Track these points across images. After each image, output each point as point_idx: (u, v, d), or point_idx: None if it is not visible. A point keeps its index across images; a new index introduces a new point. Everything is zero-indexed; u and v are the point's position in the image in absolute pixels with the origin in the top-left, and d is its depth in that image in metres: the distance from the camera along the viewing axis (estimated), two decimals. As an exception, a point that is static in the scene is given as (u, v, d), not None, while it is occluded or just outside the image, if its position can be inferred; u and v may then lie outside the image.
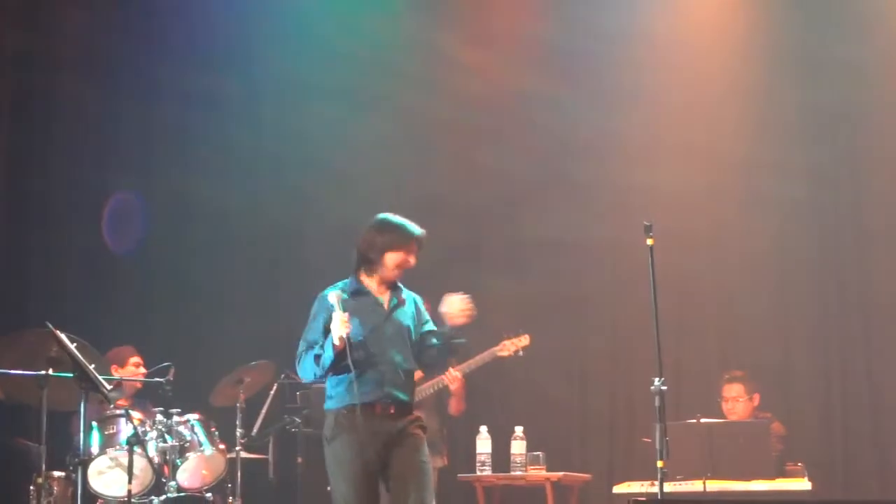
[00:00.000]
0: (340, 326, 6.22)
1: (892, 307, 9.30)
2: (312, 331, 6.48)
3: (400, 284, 6.66)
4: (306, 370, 6.45)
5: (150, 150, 10.58)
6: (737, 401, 8.81)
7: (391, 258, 6.52)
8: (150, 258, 10.35)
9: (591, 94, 10.10)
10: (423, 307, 6.75)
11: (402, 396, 6.45)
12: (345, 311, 6.28)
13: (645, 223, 6.65)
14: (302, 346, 6.51)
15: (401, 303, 6.59)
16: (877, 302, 9.42)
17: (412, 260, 6.58)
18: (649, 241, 6.62)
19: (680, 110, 9.99)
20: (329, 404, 6.45)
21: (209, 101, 10.41)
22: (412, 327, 6.58)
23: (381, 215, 6.66)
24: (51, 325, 6.73)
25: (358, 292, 6.52)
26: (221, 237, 10.33)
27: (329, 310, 6.35)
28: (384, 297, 6.56)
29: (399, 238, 6.56)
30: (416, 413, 6.70)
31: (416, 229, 6.61)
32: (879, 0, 9.88)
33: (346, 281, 6.58)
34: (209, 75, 10.30)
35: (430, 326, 6.67)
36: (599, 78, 10.15)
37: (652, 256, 6.58)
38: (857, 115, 9.75)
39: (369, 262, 6.55)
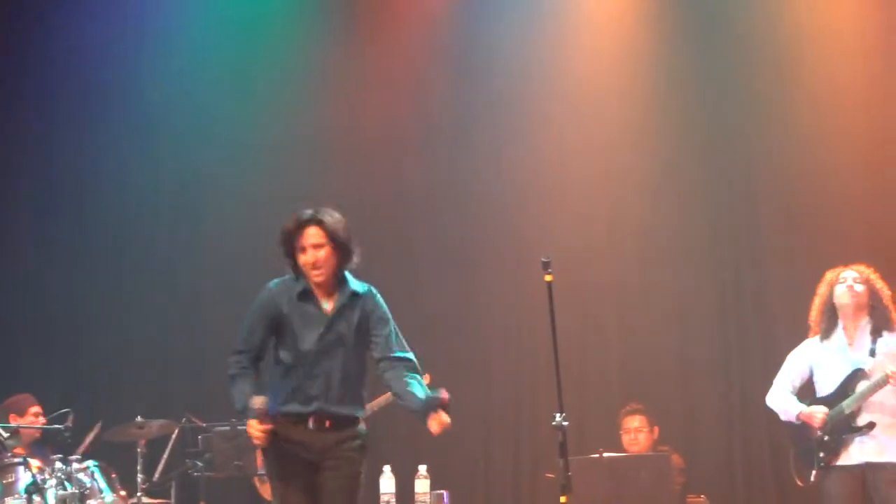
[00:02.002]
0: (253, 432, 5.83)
1: (789, 342, 9.41)
2: (245, 329, 6.00)
3: (350, 283, 6.07)
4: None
5: (51, 197, 10.51)
6: (639, 431, 8.89)
7: (300, 259, 5.97)
8: (47, 303, 10.24)
9: (486, 133, 10.21)
10: (376, 303, 6.07)
11: (337, 410, 5.97)
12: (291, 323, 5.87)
13: (542, 259, 6.67)
14: (234, 355, 5.94)
15: (349, 306, 5.99)
16: (775, 337, 9.51)
17: (318, 252, 5.95)
18: (547, 278, 6.65)
19: (578, 149, 10.11)
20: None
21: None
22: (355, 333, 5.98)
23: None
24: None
25: (304, 295, 5.97)
26: (117, 280, 10.26)
27: (269, 308, 5.93)
28: (328, 302, 6.00)
29: (287, 235, 6.02)
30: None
31: (301, 214, 6.07)
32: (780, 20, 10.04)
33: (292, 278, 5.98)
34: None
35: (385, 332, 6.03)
36: (498, 112, 10.26)
37: (550, 292, 6.62)
38: (754, 142, 9.92)
39: (297, 271, 5.98)
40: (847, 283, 7.68)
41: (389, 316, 6.10)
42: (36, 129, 10.57)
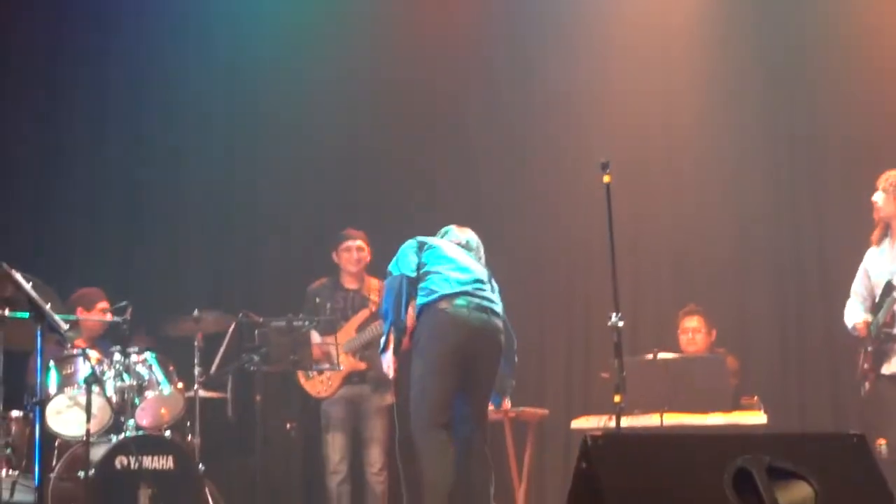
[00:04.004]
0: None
1: (847, 238, 9.31)
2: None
3: None
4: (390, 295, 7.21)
5: (105, 93, 10.48)
6: (697, 332, 8.86)
7: None
8: (104, 194, 10.29)
9: (549, 37, 10.09)
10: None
11: None
12: None
13: (601, 161, 6.66)
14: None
15: None
16: (832, 235, 9.45)
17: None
18: (606, 179, 6.63)
19: (637, 53, 10.00)
20: None
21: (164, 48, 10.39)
22: None
23: None
24: (5, 265, 6.68)
25: None
26: (174, 174, 10.27)
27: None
28: None
29: None
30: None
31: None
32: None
33: None
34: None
35: None
36: (558, 21, 10.13)
37: (608, 194, 6.59)
38: (812, 58, 9.77)
39: None
40: (874, 196, 7.63)
41: None
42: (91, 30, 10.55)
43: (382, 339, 7.22)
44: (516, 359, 7.52)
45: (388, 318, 7.16)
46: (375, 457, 8.71)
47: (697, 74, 9.90)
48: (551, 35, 10.12)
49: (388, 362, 7.19)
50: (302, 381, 8.79)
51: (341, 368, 8.52)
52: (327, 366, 8.55)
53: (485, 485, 7.07)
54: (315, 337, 8.57)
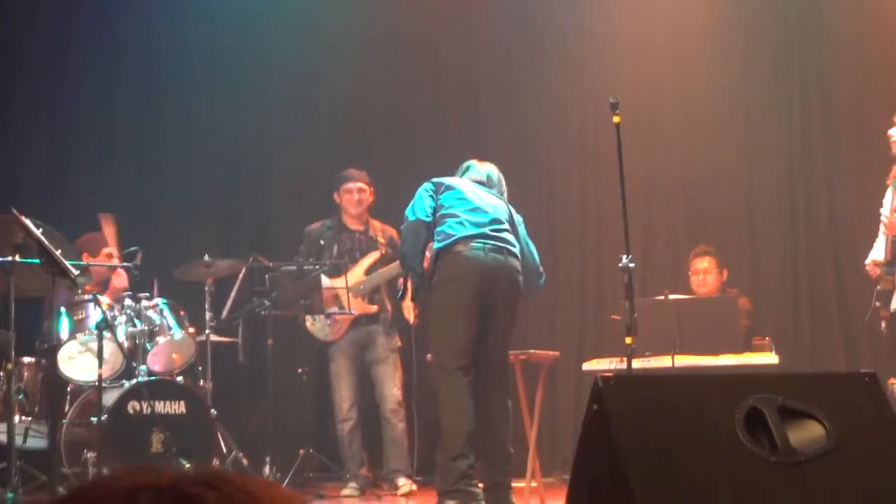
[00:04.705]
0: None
1: (858, 179, 9.30)
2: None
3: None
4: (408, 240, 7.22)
5: (117, 34, 10.42)
6: (708, 273, 8.84)
7: None
8: (114, 142, 10.25)
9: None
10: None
11: None
12: None
13: (611, 100, 6.61)
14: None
15: None
16: (843, 176, 9.43)
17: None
18: (615, 119, 6.58)
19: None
20: None
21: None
22: None
23: None
24: (15, 211, 6.67)
25: None
26: (184, 121, 10.22)
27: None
28: None
29: None
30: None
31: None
32: None
33: None
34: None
35: None
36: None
37: (619, 134, 6.55)
38: (824, 9, 9.71)
39: None
40: (890, 129, 7.58)
41: None
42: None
43: (400, 287, 7.22)
44: (542, 280, 7.55)
45: (406, 264, 7.16)
46: (392, 392, 8.68)
47: (709, 14, 9.84)
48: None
49: (407, 309, 7.20)
50: (308, 324, 8.77)
51: (353, 313, 8.51)
52: (337, 309, 8.54)
53: (503, 429, 7.08)
54: (324, 281, 8.54)
